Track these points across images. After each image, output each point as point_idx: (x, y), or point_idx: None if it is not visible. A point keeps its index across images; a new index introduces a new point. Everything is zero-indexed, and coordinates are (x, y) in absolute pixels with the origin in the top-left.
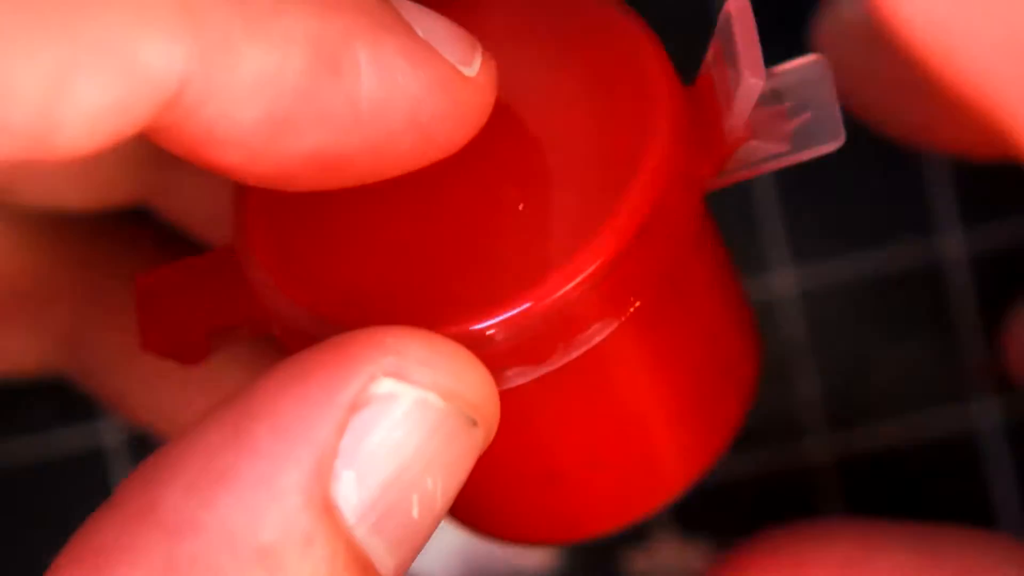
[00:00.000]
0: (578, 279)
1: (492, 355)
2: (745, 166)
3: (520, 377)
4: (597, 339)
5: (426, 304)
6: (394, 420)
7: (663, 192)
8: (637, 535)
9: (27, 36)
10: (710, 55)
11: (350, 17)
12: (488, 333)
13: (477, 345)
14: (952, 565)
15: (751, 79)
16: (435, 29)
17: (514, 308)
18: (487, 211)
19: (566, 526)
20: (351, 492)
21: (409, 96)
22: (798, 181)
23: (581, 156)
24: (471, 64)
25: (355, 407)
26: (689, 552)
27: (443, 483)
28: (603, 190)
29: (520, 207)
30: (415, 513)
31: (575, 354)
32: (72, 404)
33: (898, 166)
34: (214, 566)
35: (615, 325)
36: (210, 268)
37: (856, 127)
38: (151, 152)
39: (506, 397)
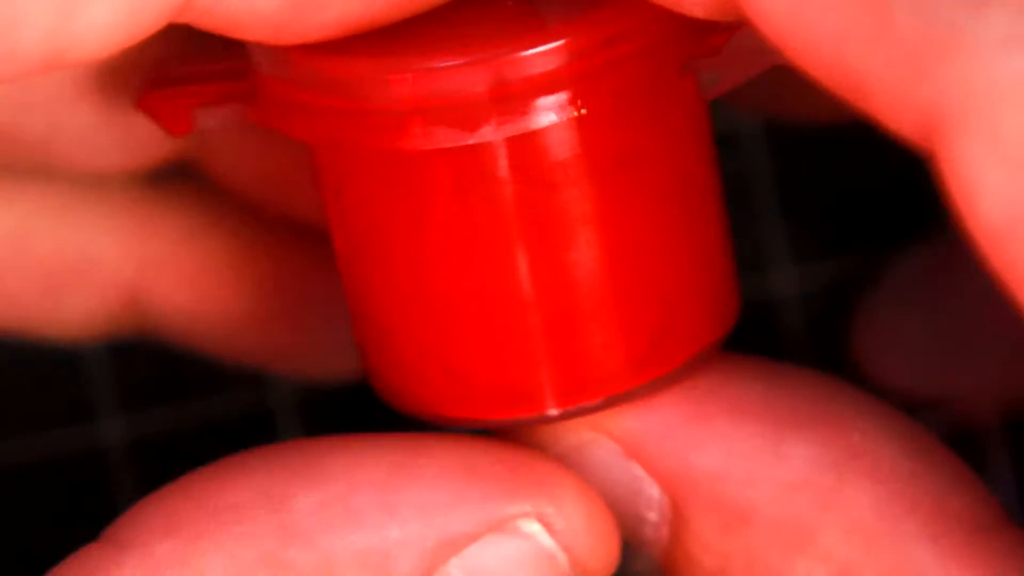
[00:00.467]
0: (525, 52)
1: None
2: (741, 58)
3: (451, 139)
4: (532, 124)
5: (412, 46)
6: (520, 559)
7: (637, 29)
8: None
9: None
10: None
11: None
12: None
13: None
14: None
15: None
16: None
17: (452, 60)
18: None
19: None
20: None
21: None
22: (798, 181)
23: None
24: None
25: (498, 527)
26: None
27: None
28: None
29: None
30: None
31: (509, 129)
32: (72, 404)
33: (898, 166)
34: (303, 574)
35: (553, 118)
36: (223, 62)
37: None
38: None
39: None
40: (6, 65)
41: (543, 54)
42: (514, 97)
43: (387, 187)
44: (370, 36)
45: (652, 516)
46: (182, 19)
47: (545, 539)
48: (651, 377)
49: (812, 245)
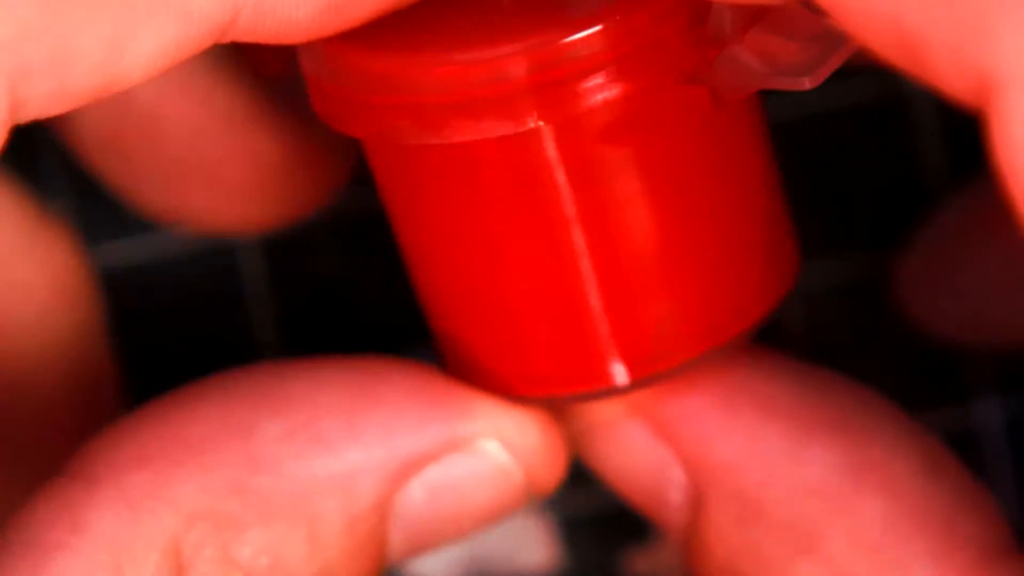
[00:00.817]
0: (567, 39)
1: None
2: (726, 76)
3: (497, 129)
4: (576, 109)
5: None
6: (479, 475)
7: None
8: (637, 535)
9: (85, 5)
10: None
11: None
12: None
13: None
14: (832, 412)
15: None
16: None
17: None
18: None
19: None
20: (411, 507)
21: None
22: (799, 181)
23: None
24: None
25: (457, 446)
26: None
27: (476, 528)
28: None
29: None
30: (443, 538)
31: (554, 116)
32: None
33: (898, 165)
34: (271, 507)
35: (597, 100)
36: None
37: (859, 122)
38: None
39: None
40: (60, 100)
41: (584, 39)
42: (557, 83)
43: (442, 177)
44: (408, 31)
45: (675, 498)
46: (225, 40)
47: (502, 455)
48: (710, 347)
49: (812, 245)
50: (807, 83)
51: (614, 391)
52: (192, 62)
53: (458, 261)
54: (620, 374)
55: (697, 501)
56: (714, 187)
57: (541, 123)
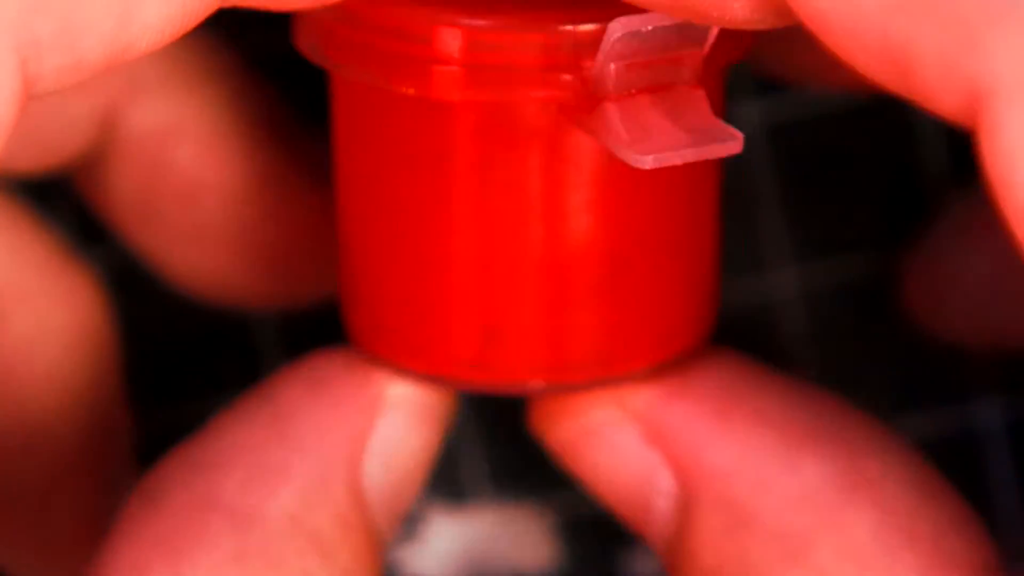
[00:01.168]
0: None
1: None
2: (591, 126)
3: (492, 95)
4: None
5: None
6: (407, 424)
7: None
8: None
9: None
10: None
11: None
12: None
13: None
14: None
15: (616, 22)
16: None
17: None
18: None
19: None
20: (376, 482)
21: None
22: (799, 181)
23: None
24: None
25: (378, 411)
26: None
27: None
28: None
29: None
30: (414, 489)
31: (546, 94)
32: None
33: (899, 166)
34: (277, 553)
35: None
36: None
37: (861, 123)
38: None
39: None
40: (72, 73)
41: (586, 32)
42: (557, 67)
43: (414, 133)
44: None
45: (662, 504)
46: (228, 3)
47: (422, 395)
48: (621, 371)
49: (812, 245)
50: (643, 164)
51: (518, 389)
52: (230, 131)
53: (393, 223)
54: (526, 373)
55: (686, 508)
56: (653, 223)
57: (532, 98)
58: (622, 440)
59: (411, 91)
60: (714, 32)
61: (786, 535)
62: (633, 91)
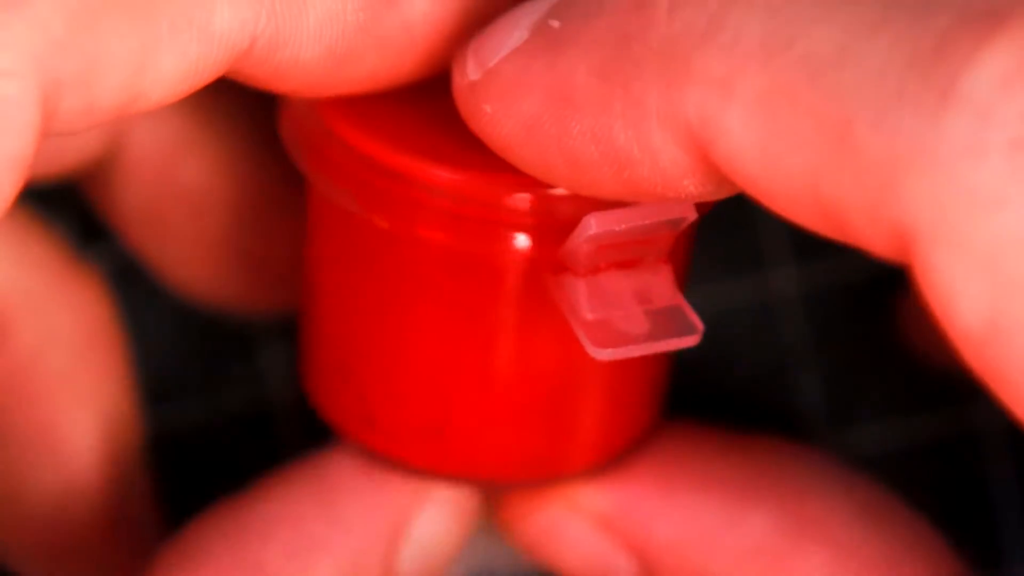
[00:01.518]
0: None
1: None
2: (557, 295)
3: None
4: (531, 249)
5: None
6: (445, 514)
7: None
8: None
9: (114, 23)
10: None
11: None
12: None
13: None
14: (769, 478)
15: (591, 218)
16: None
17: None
18: None
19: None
20: (410, 567)
21: (455, 7)
22: None
23: None
24: None
25: (421, 501)
26: None
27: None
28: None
29: None
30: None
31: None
32: None
33: None
34: None
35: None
36: None
37: None
38: None
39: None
40: (82, 117)
41: (555, 197)
42: (527, 226)
43: (379, 251)
44: (402, 117)
45: None
46: (235, 68)
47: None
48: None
49: (813, 245)
50: (599, 356)
51: (465, 481)
52: (236, 145)
53: (357, 321)
54: (471, 470)
55: None
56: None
57: (502, 252)
58: (576, 533)
59: (384, 224)
60: (688, 220)
61: None
62: (601, 265)
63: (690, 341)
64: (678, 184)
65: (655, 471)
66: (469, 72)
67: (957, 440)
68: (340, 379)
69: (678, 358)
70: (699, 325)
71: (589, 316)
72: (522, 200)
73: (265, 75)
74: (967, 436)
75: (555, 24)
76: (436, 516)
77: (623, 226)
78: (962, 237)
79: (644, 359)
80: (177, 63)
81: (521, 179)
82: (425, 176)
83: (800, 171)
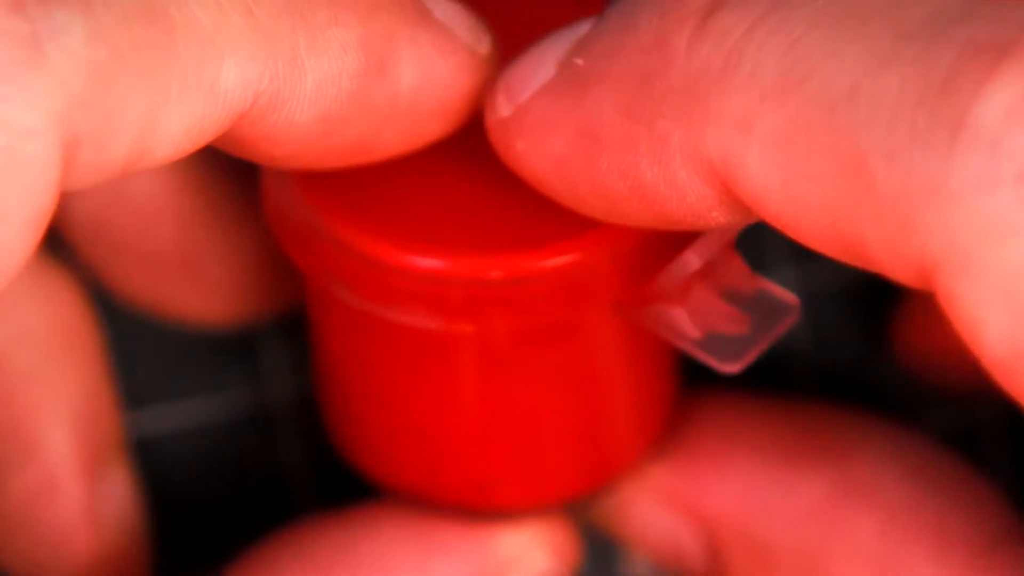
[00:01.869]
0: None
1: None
2: (654, 323)
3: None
4: (498, 323)
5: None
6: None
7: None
8: None
9: (129, 79)
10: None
11: (391, 17)
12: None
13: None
14: (815, 439)
15: (691, 254)
16: (449, 12)
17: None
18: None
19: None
20: None
21: (440, 83)
22: None
23: None
24: (482, 42)
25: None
26: None
27: None
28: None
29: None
30: None
31: (477, 323)
32: None
33: None
34: None
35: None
36: None
37: None
38: None
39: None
40: (92, 173)
41: (509, 274)
42: (483, 301)
43: (368, 336)
44: (387, 207)
45: (694, 554)
46: (230, 130)
47: (543, 556)
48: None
49: None
50: (731, 369)
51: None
52: (185, 158)
53: (369, 384)
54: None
55: (715, 553)
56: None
57: (468, 327)
58: (645, 510)
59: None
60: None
61: (800, 553)
62: (687, 286)
63: (792, 317)
64: (707, 216)
65: (712, 443)
66: (500, 108)
67: (957, 440)
68: (391, 446)
69: (678, 358)
70: (793, 299)
71: (697, 335)
72: (494, 274)
73: (257, 137)
74: (967, 436)
75: (579, 62)
76: (537, 554)
77: (716, 250)
78: (979, 267)
79: (648, 358)
80: (184, 120)
81: (485, 257)
82: (402, 264)
83: (820, 207)
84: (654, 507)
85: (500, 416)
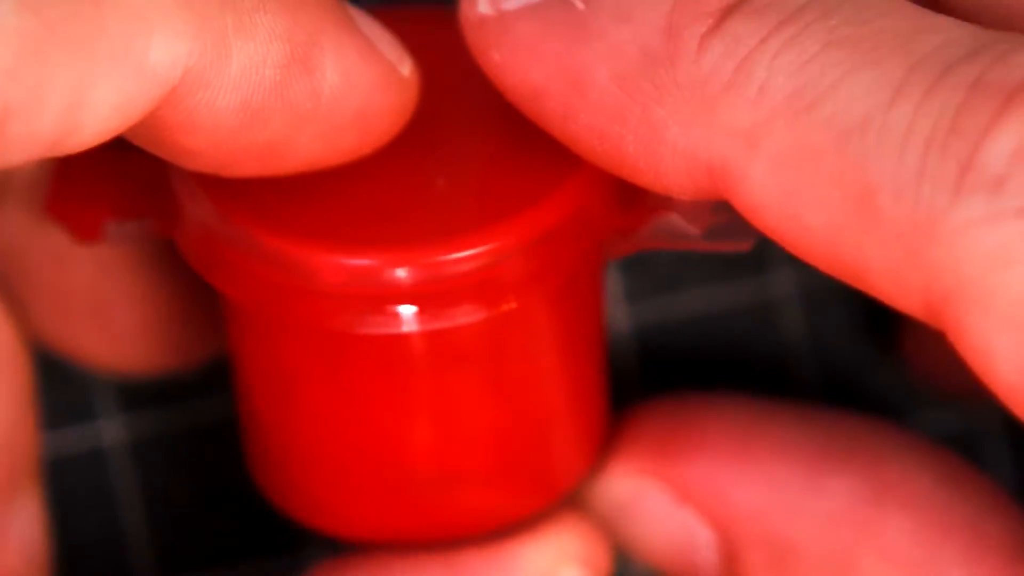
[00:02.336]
0: (457, 255)
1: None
2: (656, 237)
3: (374, 326)
4: (460, 320)
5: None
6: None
7: (567, 217)
8: None
9: (58, 51)
10: None
11: (318, 16)
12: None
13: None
14: (841, 449)
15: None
16: (374, 31)
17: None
18: (408, 179)
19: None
20: None
21: (361, 91)
22: None
23: (502, 156)
24: (404, 64)
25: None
26: None
27: None
28: (516, 192)
29: (439, 182)
30: None
31: (439, 324)
32: (72, 404)
33: None
34: None
35: (482, 315)
36: (135, 162)
37: None
38: None
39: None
40: (25, 148)
41: (464, 259)
42: (434, 296)
43: (311, 357)
44: (309, 211)
45: (706, 556)
46: (156, 113)
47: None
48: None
49: None
50: (746, 246)
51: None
52: None
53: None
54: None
55: (730, 554)
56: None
57: (415, 328)
58: (654, 505)
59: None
60: None
61: (828, 555)
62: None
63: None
64: (673, 192)
65: (732, 440)
66: (480, 4)
67: (957, 439)
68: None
69: (679, 358)
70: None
71: (698, 231)
72: (410, 274)
73: (177, 123)
74: (967, 436)
75: (580, 6)
76: (570, 569)
77: None
78: (987, 296)
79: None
80: (113, 95)
81: (403, 253)
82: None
83: (820, 228)
84: (667, 504)
85: (459, 423)
